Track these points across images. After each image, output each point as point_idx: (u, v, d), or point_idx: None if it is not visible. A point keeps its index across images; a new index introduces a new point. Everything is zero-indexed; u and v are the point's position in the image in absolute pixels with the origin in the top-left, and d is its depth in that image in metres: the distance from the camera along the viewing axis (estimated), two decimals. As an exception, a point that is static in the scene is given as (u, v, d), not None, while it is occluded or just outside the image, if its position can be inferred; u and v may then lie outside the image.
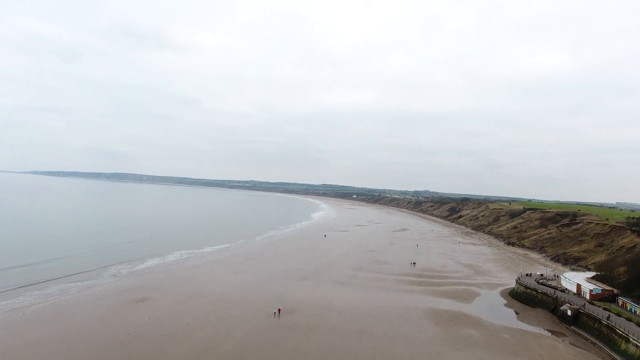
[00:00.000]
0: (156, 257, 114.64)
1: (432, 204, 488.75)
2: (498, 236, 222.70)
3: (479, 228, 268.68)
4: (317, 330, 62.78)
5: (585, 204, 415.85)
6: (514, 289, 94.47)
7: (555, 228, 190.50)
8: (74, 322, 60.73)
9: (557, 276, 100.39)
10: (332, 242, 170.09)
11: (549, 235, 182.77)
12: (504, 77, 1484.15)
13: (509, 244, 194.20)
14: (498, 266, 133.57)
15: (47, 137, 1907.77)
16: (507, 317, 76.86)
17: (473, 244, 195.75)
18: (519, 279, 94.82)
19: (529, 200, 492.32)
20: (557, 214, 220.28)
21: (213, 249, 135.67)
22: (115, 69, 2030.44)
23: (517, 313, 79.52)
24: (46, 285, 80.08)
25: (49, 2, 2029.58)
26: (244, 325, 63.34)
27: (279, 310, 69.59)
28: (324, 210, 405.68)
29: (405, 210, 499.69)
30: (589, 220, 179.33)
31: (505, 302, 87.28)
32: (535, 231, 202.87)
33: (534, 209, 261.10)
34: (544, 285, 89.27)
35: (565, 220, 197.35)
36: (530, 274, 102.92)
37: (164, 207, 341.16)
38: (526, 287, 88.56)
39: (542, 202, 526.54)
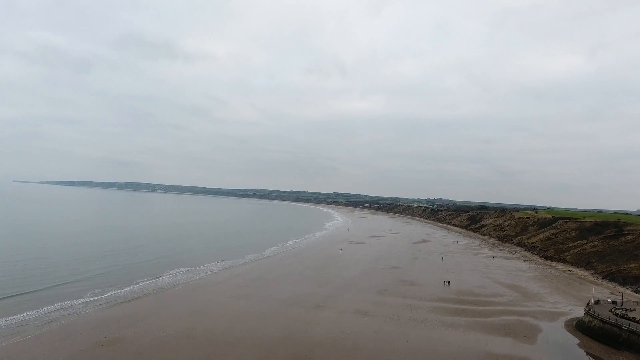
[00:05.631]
0: (145, 278, 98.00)
1: (449, 213, 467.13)
2: (531, 248, 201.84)
3: (506, 239, 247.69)
4: (340, 394, 45.23)
5: (606, 212, 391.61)
6: (582, 320, 75.41)
7: (600, 240, 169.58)
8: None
9: (627, 303, 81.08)
10: (349, 257, 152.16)
11: (593, 249, 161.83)
12: (516, 82, 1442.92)
13: (546, 257, 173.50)
14: (545, 287, 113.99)
15: (61, 147, 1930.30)
16: (589, 366, 58.07)
17: (505, 257, 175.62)
18: (590, 309, 75.60)
19: (548, 208, 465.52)
20: (597, 224, 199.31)
21: (215, 267, 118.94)
22: (126, 79, 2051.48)
23: None
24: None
25: (60, 14, 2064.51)
26: (239, 386, 46.10)
27: None
28: (337, 220, 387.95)
29: (421, 219, 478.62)
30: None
31: (577, 341, 68.10)
32: (575, 243, 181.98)
33: (567, 218, 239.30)
34: (624, 317, 70.04)
35: (610, 231, 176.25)
36: (599, 300, 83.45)
37: (171, 217, 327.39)
38: (603, 322, 69.40)
39: (564, 209, 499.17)
